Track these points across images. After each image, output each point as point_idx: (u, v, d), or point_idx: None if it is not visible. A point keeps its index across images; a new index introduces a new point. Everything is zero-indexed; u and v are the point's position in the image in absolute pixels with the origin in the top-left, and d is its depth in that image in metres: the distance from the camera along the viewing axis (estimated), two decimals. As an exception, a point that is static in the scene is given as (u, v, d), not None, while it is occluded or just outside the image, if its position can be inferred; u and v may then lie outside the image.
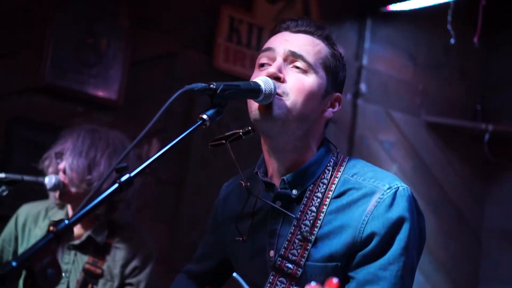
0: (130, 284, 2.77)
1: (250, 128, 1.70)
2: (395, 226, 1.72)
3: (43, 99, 3.56)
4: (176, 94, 1.55)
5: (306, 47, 1.85)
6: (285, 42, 1.86)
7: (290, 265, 1.79)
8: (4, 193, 2.63)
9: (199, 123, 1.62)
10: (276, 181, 1.88)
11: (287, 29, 1.90)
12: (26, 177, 2.67)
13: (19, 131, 3.50)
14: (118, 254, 2.79)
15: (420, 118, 5.07)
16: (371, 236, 1.72)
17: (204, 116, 1.63)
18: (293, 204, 1.85)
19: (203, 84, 1.64)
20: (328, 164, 1.88)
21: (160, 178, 3.91)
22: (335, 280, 1.09)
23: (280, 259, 1.80)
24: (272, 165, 1.89)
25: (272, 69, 1.80)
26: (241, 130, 1.69)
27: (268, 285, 1.80)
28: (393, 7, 4.75)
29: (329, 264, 1.77)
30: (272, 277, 1.81)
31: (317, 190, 1.84)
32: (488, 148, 4.90)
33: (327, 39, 1.91)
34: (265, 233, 1.88)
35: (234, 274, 1.49)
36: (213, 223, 2.18)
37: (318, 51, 1.87)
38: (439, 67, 5.20)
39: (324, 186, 1.84)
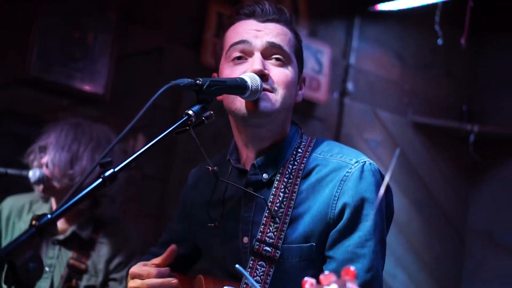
0: (114, 279, 2.76)
1: (211, 112, 1.69)
2: (364, 199, 1.76)
3: (28, 93, 3.53)
4: (162, 89, 1.55)
5: (280, 37, 1.87)
6: (259, 33, 1.86)
7: (268, 248, 1.80)
8: (-12, 187, 2.61)
9: (184, 118, 1.63)
10: (249, 167, 1.90)
11: (251, 16, 1.89)
12: (10, 171, 2.65)
13: (4, 125, 3.47)
14: (102, 250, 2.78)
15: (406, 117, 5.08)
16: (343, 209, 1.75)
17: (190, 112, 1.64)
18: (264, 189, 1.87)
19: (189, 80, 1.65)
20: (297, 146, 1.90)
21: (146, 173, 3.89)
22: (352, 268, 1.10)
23: (257, 243, 1.81)
24: (247, 152, 1.91)
25: (257, 66, 1.80)
26: (203, 116, 1.68)
27: (249, 270, 1.81)
28: (382, 6, 4.76)
29: (304, 245, 1.79)
30: (251, 262, 1.82)
31: (286, 172, 1.85)
32: (473, 148, 4.92)
33: (290, 23, 1.93)
34: (237, 220, 1.89)
35: (237, 266, 1.49)
36: (181, 210, 2.18)
37: (289, 39, 1.90)
38: (426, 67, 5.21)
39: (294, 167, 1.85)
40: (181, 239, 2.13)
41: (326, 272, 1.12)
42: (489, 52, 5.36)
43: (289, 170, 1.85)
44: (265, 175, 1.86)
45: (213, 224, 1.88)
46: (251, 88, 1.74)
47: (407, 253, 4.93)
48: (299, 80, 1.94)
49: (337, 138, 4.70)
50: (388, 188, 1.86)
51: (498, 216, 5.10)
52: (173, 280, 1.85)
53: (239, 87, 1.73)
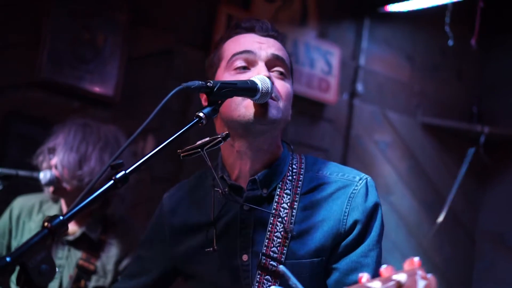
0: (123, 280, 2.77)
1: (227, 132, 1.69)
2: (372, 213, 1.82)
3: (39, 94, 3.55)
4: (172, 92, 1.55)
5: (281, 51, 1.91)
6: (263, 46, 1.88)
7: (273, 263, 1.81)
8: (-1, 188, 2.62)
9: (195, 120, 1.63)
10: (243, 184, 1.89)
11: (251, 31, 1.92)
12: (21, 172, 2.66)
13: (15, 126, 3.48)
14: (112, 250, 2.78)
15: (416, 119, 5.07)
16: (354, 225, 1.80)
17: (201, 114, 1.63)
18: (264, 204, 1.87)
19: (200, 82, 1.65)
20: (291, 162, 1.92)
21: (155, 176, 3.90)
22: (416, 259, 1.11)
23: (264, 258, 1.81)
24: (241, 166, 1.89)
25: (265, 73, 1.81)
26: (219, 136, 1.68)
27: (256, 284, 1.81)
28: (391, 7, 4.75)
29: (315, 259, 1.80)
30: (258, 276, 1.82)
31: (285, 188, 1.87)
32: (483, 150, 4.90)
33: (284, 42, 1.97)
34: (234, 238, 1.88)
35: (281, 267, 1.50)
36: (154, 236, 2.10)
37: (287, 56, 1.93)
38: (436, 69, 5.20)
39: (291, 184, 1.87)
40: (153, 266, 2.07)
41: (384, 266, 1.14)
42: (499, 53, 5.34)
43: (287, 186, 1.87)
44: (264, 190, 1.87)
45: (211, 249, 1.85)
46: (262, 90, 1.74)
47: (417, 255, 4.90)
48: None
49: (347, 139, 4.70)
50: (380, 202, 1.92)
51: (509, 218, 5.08)
52: None
53: (249, 89, 1.73)
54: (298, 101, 4.41)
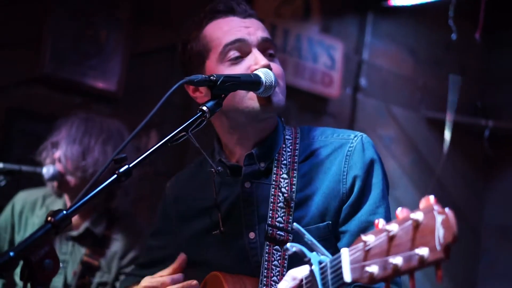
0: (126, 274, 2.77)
1: (207, 109, 1.64)
2: (370, 168, 1.81)
3: (42, 90, 3.55)
4: (176, 85, 1.55)
5: (265, 31, 1.89)
6: (251, 30, 1.85)
7: (281, 233, 1.80)
8: (2, 184, 2.62)
9: (198, 114, 1.62)
10: (242, 163, 1.89)
11: (231, 13, 1.88)
12: (24, 168, 2.66)
13: (18, 122, 3.48)
14: (116, 246, 2.78)
15: (420, 113, 5.05)
16: (353, 181, 1.79)
17: (204, 108, 1.63)
18: (262, 178, 1.87)
19: (203, 76, 1.65)
20: (285, 133, 1.92)
21: (158, 171, 3.89)
22: (431, 196, 1.11)
23: (270, 228, 1.80)
24: (240, 149, 1.89)
25: (265, 61, 1.80)
26: (200, 114, 1.64)
27: (266, 255, 1.80)
28: (395, 2, 4.74)
29: (321, 224, 1.80)
30: (267, 248, 1.81)
31: (282, 159, 1.87)
32: (488, 144, 4.89)
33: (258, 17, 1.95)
34: (238, 219, 1.88)
35: (295, 225, 1.50)
36: (163, 226, 2.12)
37: (267, 31, 1.91)
38: (440, 63, 5.18)
39: (288, 154, 1.87)
40: (167, 254, 2.06)
41: (400, 209, 1.13)
42: (503, 47, 5.32)
43: (284, 157, 1.87)
44: (262, 164, 1.86)
45: (218, 231, 1.86)
46: (265, 84, 1.74)
47: (421, 249, 4.89)
48: None
49: (350, 134, 4.68)
50: (380, 158, 1.90)
51: (514, 212, 5.07)
52: (193, 282, 1.85)
53: (253, 83, 1.73)
54: (301, 96, 4.42)
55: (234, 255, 1.89)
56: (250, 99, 1.79)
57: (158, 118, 3.72)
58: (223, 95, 1.69)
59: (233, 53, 1.83)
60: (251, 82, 1.72)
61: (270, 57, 1.85)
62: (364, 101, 4.77)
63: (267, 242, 1.81)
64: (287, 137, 1.91)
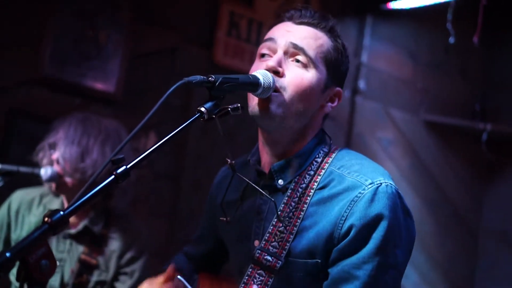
0: (125, 273, 2.77)
1: (238, 105, 1.68)
2: (373, 223, 1.67)
3: (42, 92, 3.55)
4: (174, 86, 1.54)
5: (308, 40, 1.84)
6: (287, 33, 1.84)
7: (269, 258, 1.77)
8: (0, 184, 2.62)
9: (197, 115, 1.62)
10: (267, 170, 1.88)
11: (290, 19, 1.89)
12: (22, 168, 2.66)
13: (18, 124, 3.48)
14: (114, 245, 2.78)
15: (418, 116, 5.06)
16: (349, 230, 1.68)
17: (202, 109, 1.62)
18: (278, 194, 1.85)
19: (201, 77, 1.64)
20: (317, 156, 1.86)
21: (157, 172, 3.90)
22: None
23: (259, 251, 1.79)
24: (265, 155, 1.90)
25: (271, 62, 1.79)
26: (229, 107, 1.67)
27: (246, 277, 1.78)
28: (394, 4, 4.74)
29: (309, 261, 1.75)
30: (250, 270, 1.80)
31: (302, 182, 1.82)
32: (486, 147, 4.89)
33: (330, 32, 1.92)
34: (251, 221, 1.89)
35: (179, 277, 1.53)
36: (208, 207, 2.22)
37: (320, 44, 1.86)
38: (439, 66, 5.19)
39: (310, 178, 1.82)
40: (210, 234, 2.21)
41: None
42: (502, 50, 5.33)
43: (305, 180, 1.82)
44: (280, 181, 1.84)
45: (224, 219, 1.88)
46: (263, 85, 1.73)
47: (419, 253, 4.90)
48: (326, 89, 1.90)
49: (349, 137, 4.69)
50: (407, 213, 1.76)
51: (512, 216, 5.07)
52: None
53: (251, 84, 1.72)
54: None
55: (244, 254, 1.90)
56: (253, 100, 1.79)
57: (157, 118, 3.72)
58: (222, 96, 1.68)
59: (263, 50, 1.86)
60: (249, 83, 1.72)
61: (297, 62, 1.81)
62: (363, 104, 4.77)
63: (252, 265, 1.80)
64: (317, 159, 1.85)
